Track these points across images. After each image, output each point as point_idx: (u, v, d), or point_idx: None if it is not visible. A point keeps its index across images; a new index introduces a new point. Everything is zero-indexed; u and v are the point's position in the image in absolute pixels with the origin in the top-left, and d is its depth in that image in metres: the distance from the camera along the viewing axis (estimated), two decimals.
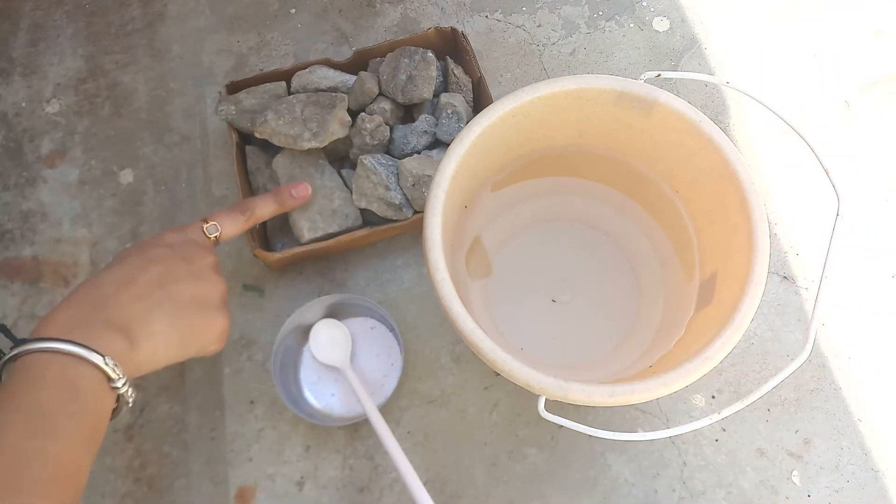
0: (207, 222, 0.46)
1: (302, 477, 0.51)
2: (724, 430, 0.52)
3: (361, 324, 0.55)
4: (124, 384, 0.36)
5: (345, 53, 0.66)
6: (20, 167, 0.63)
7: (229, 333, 0.43)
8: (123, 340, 0.37)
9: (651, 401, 0.48)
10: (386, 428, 0.47)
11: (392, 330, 0.53)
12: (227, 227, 0.46)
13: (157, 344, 0.38)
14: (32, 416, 0.32)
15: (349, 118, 0.55)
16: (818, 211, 0.58)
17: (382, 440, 0.46)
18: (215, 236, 0.46)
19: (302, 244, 0.54)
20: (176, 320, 0.39)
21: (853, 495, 0.50)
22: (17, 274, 0.59)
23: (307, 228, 0.54)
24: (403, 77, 0.56)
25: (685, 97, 0.50)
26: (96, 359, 0.35)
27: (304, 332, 0.54)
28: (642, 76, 0.45)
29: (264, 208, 0.50)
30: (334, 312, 0.55)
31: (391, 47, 0.59)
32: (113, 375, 0.35)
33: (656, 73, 0.46)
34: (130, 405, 0.38)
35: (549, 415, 0.39)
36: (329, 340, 0.54)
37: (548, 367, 0.41)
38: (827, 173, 0.42)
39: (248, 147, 0.58)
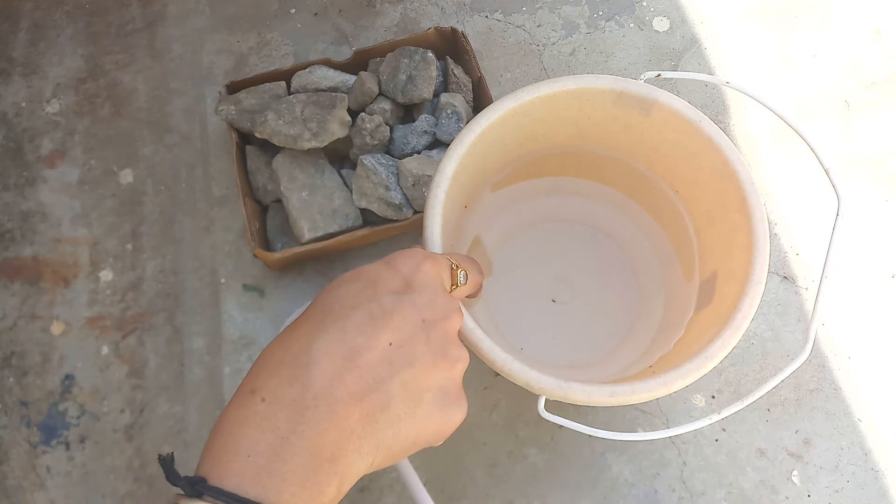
0: (457, 265, 0.34)
1: None
2: (724, 430, 0.52)
3: None
4: None
5: (345, 53, 0.66)
6: (20, 167, 0.63)
7: None
8: (329, 486, 0.25)
9: (651, 401, 0.48)
10: None
11: None
12: (471, 280, 0.35)
13: (363, 469, 0.27)
14: None
15: (349, 118, 0.55)
16: (818, 211, 0.58)
17: None
18: (460, 287, 0.34)
19: (302, 244, 0.54)
20: (402, 428, 0.28)
21: (853, 495, 0.50)
22: (17, 274, 0.59)
23: (307, 228, 0.54)
24: (403, 77, 0.56)
25: (685, 97, 0.50)
26: None
27: None
28: (642, 76, 0.45)
29: (479, 281, 0.38)
30: None
31: (391, 47, 0.59)
32: None
33: (656, 73, 0.46)
34: None
35: (549, 415, 0.39)
36: None
37: (548, 367, 0.41)
38: (827, 173, 0.42)
39: (248, 147, 0.58)
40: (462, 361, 0.31)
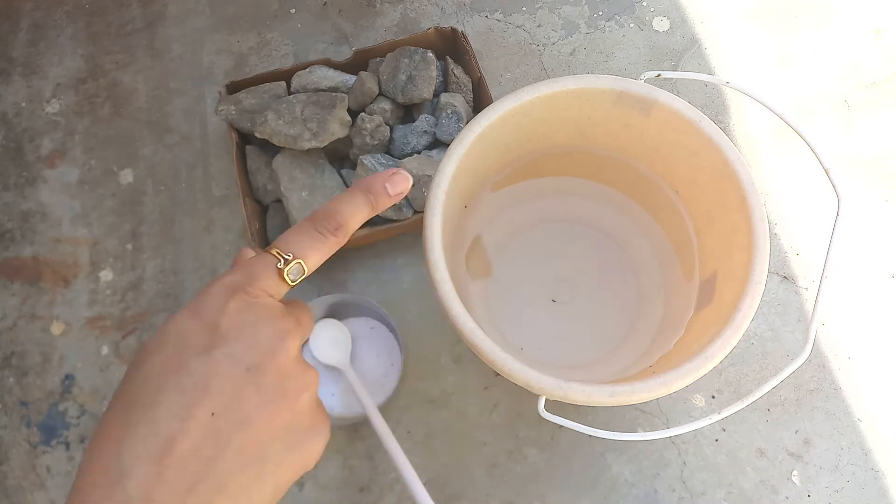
0: (286, 260, 0.28)
1: (302, 477, 0.51)
2: (724, 430, 0.52)
3: (362, 324, 0.55)
4: None
5: (345, 53, 0.66)
6: (20, 167, 0.63)
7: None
8: None
9: (651, 401, 0.48)
10: (386, 427, 0.47)
11: (392, 330, 0.53)
12: (313, 258, 0.30)
13: None
14: None
15: (349, 118, 0.55)
16: (818, 211, 0.58)
17: (382, 440, 0.46)
18: (298, 281, 0.29)
19: None
20: (252, 494, 0.25)
21: (853, 495, 0.50)
22: (17, 274, 0.59)
23: None
24: (403, 77, 0.56)
25: (685, 97, 0.50)
26: None
27: None
28: (642, 76, 0.45)
29: (356, 217, 0.32)
30: (334, 312, 0.55)
31: (391, 47, 0.59)
32: None
33: (656, 73, 0.46)
34: None
35: (549, 415, 0.39)
36: (329, 340, 0.54)
37: (548, 367, 0.41)
38: (827, 173, 0.42)
39: (248, 147, 0.58)
40: (309, 388, 0.27)
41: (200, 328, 0.26)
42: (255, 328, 0.26)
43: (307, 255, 0.29)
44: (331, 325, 0.54)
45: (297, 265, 0.28)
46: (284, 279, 0.28)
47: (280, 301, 0.29)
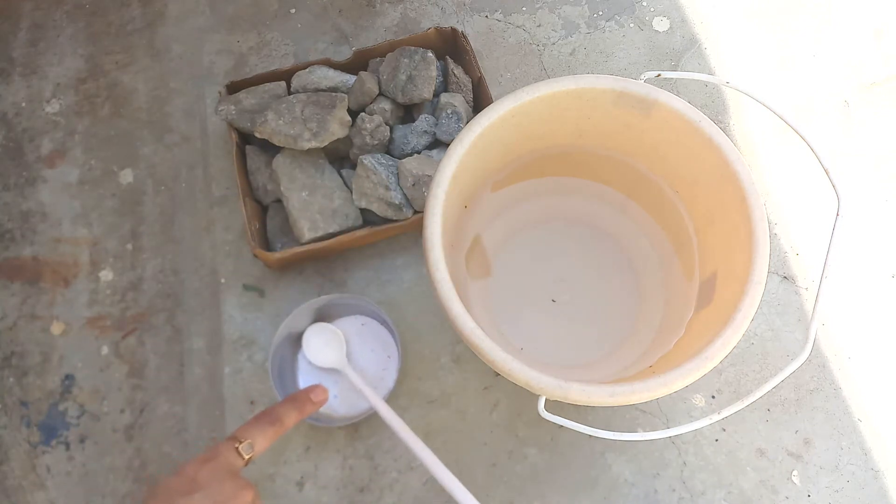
0: (240, 441, 0.41)
1: (302, 477, 0.51)
2: (724, 430, 0.52)
3: (352, 322, 0.55)
4: None
5: (345, 53, 0.66)
6: (20, 167, 0.63)
7: None
8: None
9: (651, 401, 0.48)
10: (396, 416, 0.46)
11: (384, 324, 0.53)
12: (260, 442, 0.42)
13: None
14: None
15: (349, 118, 0.56)
16: (818, 211, 0.58)
17: (394, 428, 0.46)
18: (250, 456, 0.41)
19: (302, 244, 0.54)
20: None
21: (853, 495, 0.50)
22: (17, 274, 0.59)
23: (307, 228, 0.54)
24: (403, 77, 0.56)
25: (685, 97, 0.50)
26: None
27: (297, 339, 0.54)
28: (642, 76, 0.45)
29: (289, 416, 0.44)
30: (323, 316, 0.55)
31: (391, 47, 0.59)
32: None
33: (656, 73, 0.46)
34: None
35: (549, 415, 0.39)
36: (322, 344, 0.54)
37: (548, 367, 0.41)
38: (827, 173, 0.42)
39: (248, 147, 0.58)
40: None
41: (183, 481, 0.37)
42: (222, 481, 0.38)
43: (255, 438, 0.41)
44: (321, 329, 0.54)
45: (248, 444, 0.41)
46: (240, 453, 0.40)
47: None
